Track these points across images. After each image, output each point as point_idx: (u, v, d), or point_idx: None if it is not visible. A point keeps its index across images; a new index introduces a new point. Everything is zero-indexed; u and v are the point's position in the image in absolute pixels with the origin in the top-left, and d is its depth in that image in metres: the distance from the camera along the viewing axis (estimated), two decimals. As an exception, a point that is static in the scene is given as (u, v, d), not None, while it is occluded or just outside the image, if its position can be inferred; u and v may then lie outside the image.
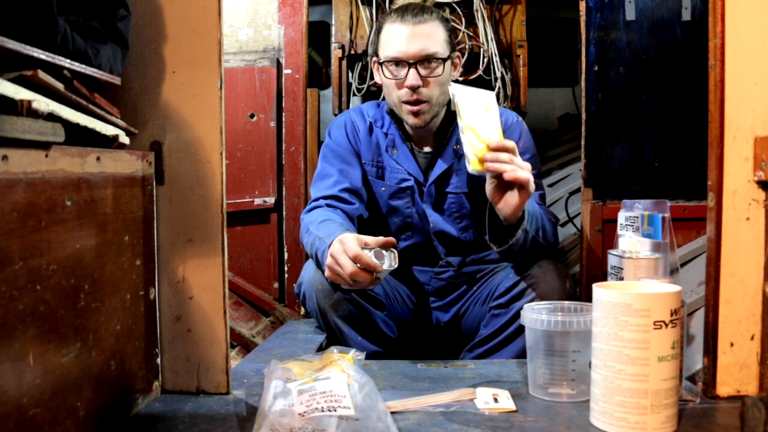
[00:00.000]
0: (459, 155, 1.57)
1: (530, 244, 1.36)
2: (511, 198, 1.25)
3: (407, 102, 1.48)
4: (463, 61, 1.97)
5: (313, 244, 1.35)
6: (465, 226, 1.61)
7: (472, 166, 1.23)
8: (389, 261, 1.19)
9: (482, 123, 1.28)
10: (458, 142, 1.56)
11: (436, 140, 1.59)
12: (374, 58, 1.57)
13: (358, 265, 1.17)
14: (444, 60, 1.47)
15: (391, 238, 1.21)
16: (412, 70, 1.45)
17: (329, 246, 1.24)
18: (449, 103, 1.56)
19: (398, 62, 1.46)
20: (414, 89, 1.45)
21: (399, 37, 1.45)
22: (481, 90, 1.34)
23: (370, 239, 1.21)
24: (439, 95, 1.50)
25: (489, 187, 1.26)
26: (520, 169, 1.22)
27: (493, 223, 1.36)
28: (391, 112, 1.59)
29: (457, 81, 1.59)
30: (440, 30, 1.48)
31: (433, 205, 1.60)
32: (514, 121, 1.59)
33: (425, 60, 1.45)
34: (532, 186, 1.24)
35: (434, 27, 1.47)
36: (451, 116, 1.57)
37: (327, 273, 1.25)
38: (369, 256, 1.17)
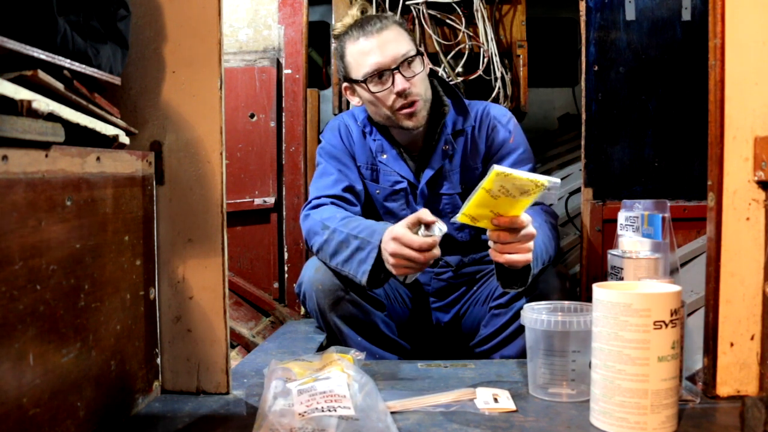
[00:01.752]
0: (449, 156, 1.56)
1: (545, 266, 1.36)
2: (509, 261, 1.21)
3: (401, 107, 1.47)
4: (463, 60, 1.97)
5: (344, 241, 1.34)
6: (461, 226, 1.61)
7: (459, 219, 1.15)
8: (439, 229, 1.22)
9: (507, 198, 1.10)
10: (447, 142, 1.56)
11: (424, 142, 1.58)
12: (345, 84, 1.56)
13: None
14: (417, 54, 1.48)
15: (419, 214, 1.22)
16: (398, 76, 1.44)
17: (379, 245, 1.26)
18: (437, 104, 1.56)
19: (381, 73, 1.45)
20: (404, 93, 1.45)
21: (370, 50, 1.45)
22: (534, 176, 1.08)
23: (410, 219, 1.22)
24: (425, 90, 1.50)
25: (490, 251, 1.22)
26: (518, 253, 1.18)
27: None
28: (375, 123, 1.59)
29: (442, 80, 1.59)
30: (401, 30, 1.49)
31: (428, 206, 1.59)
32: (503, 116, 1.58)
33: (404, 62, 1.45)
34: (528, 257, 1.20)
35: (395, 30, 1.47)
36: (436, 116, 1.56)
37: (396, 271, 1.24)
38: (431, 239, 1.20)
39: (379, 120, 1.55)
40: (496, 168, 1.04)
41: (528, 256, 1.19)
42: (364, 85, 1.47)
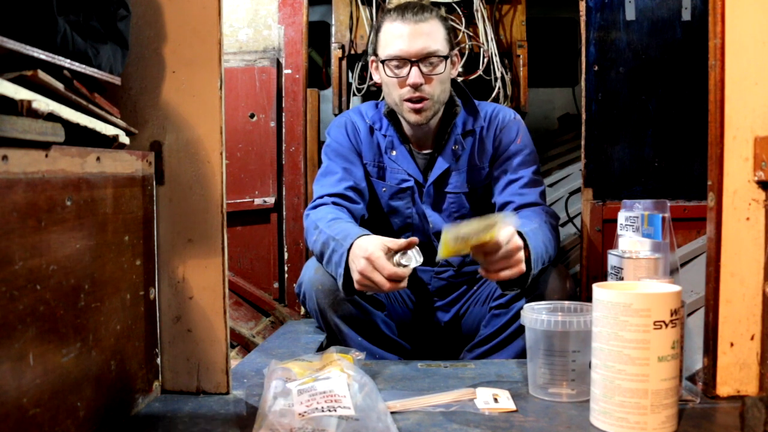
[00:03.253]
0: (458, 156, 1.57)
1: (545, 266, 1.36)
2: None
3: (409, 99, 1.48)
4: (462, 60, 1.97)
5: (326, 243, 1.34)
6: None
7: (442, 256, 1.17)
8: (415, 260, 1.19)
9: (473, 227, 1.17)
10: (456, 142, 1.57)
11: (434, 141, 1.59)
12: (373, 58, 1.57)
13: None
14: (445, 58, 1.48)
15: (414, 239, 1.20)
16: (414, 68, 1.45)
17: (349, 249, 1.24)
18: (448, 103, 1.56)
19: (400, 60, 1.46)
20: (416, 87, 1.46)
21: (400, 35, 1.46)
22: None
23: (392, 243, 1.20)
24: (440, 93, 1.50)
25: (480, 270, 1.23)
26: (507, 269, 1.20)
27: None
28: (389, 114, 1.59)
29: (453, 81, 1.59)
30: (440, 28, 1.49)
31: (433, 205, 1.60)
32: (511, 119, 1.59)
33: (427, 58, 1.46)
34: (521, 268, 1.21)
35: (434, 25, 1.48)
36: (449, 116, 1.57)
37: (358, 287, 1.24)
38: (404, 269, 1.18)
39: (389, 104, 1.56)
40: (444, 229, 1.15)
41: (519, 268, 1.20)
42: (383, 65, 1.49)
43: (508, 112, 1.61)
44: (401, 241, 1.20)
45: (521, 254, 1.20)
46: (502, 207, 1.52)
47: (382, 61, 1.49)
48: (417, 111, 1.48)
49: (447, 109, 1.56)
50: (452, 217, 1.60)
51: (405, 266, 1.18)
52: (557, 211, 1.75)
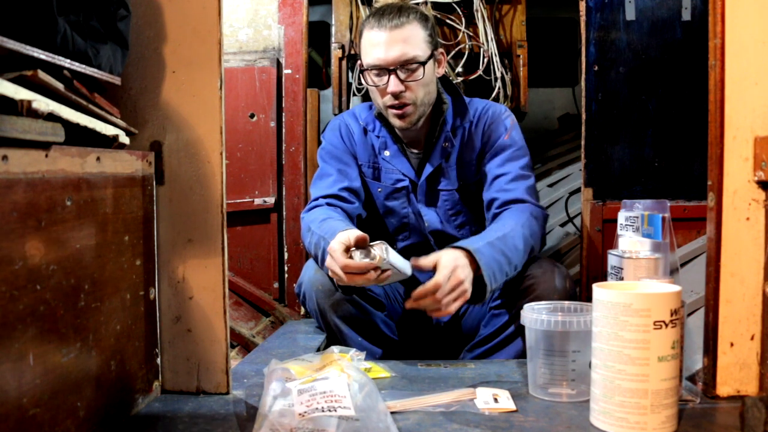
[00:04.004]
0: (447, 153, 1.56)
1: (511, 277, 1.34)
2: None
3: (392, 106, 1.47)
4: (463, 60, 1.97)
5: (317, 243, 1.35)
6: (461, 224, 1.61)
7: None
8: (381, 253, 1.18)
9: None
10: (446, 139, 1.56)
11: (426, 140, 1.59)
12: (359, 62, 1.57)
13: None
14: (424, 63, 1.45)
15: (362, 236, 1.20)
16: (393, 77, 1.43)
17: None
18: (436, 102, 1.55)
19: (378, 69, 1.45)
20: (396, 95, 1.44)
21: (377, 44, 1.43)
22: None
23: (354, 238, 1.20)
24: (424, 96, 1.48)
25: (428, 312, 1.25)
26: (446, 308, 1.21)
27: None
28: (380, 115, 1.59)
29: (443, 78, 1.58)
30: (419, 31, 1.45)
31: (428, 203, 1.60)
32: (500, 114, 1.57)
33: (404, 65, 1.43)
34: (465, 297, 1.23)
35: (412, 29, 1.44)
36: (438, 115, 1.56)
37: (337, 281, 1.27)
38: (356, 261, 1.18)
39: (378, 109, 1.56)
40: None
41: (455, 305, 1.21)
42: (365, 73, 1.48)
43: (499, 108, 1.59)
44: (354, 238, 1.20)
45: (456, 291, 1.21)
46: (489, 204, 1.51)
47: (363, 70, 1.48)
48: (400, 116, 1.48)
49: (436, 107, 1.56)
50: (447, 215, 1.60)
51: (371, 260, 1.18)
52: (556, 212, 1.75)
